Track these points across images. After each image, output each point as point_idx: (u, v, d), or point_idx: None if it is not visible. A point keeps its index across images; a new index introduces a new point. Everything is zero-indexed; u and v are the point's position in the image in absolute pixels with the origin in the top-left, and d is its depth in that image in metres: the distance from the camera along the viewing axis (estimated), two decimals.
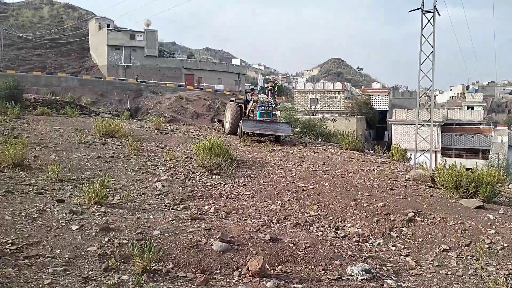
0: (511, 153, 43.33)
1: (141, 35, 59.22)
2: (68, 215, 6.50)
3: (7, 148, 9.87)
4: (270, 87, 17.71)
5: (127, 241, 5.77)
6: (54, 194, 7.90)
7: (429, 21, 11.79)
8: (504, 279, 6.03)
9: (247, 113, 17.28)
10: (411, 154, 15.47)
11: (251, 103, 17.30)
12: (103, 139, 13.75)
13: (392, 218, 8.56)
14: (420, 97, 13.79)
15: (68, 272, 4.89)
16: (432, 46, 11.63)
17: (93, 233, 5.91)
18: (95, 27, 60.86)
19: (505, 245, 7.37)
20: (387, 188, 10.22)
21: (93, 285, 4.64)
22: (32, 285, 4.44)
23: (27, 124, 15.89)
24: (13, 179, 8.69)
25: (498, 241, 7.53)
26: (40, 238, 5.66)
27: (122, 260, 5.39)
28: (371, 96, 59.66)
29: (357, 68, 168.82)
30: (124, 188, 9.08)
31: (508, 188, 12.39)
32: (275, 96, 17.53)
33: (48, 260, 5.15)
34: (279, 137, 16.58)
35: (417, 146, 12.50)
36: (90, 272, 4.96)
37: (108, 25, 60.33)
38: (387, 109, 57.79)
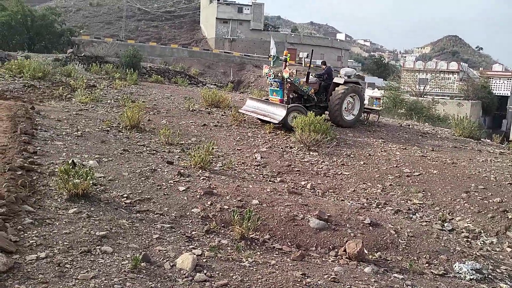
0: None
1: (248, 9, 60.13)
2: (176, 176, 6.94)
3: (126, 111, 10.86)
4: (284, 56, 12.88)
5: (227, 207, 5.99)
6: (164, 156, 8.49)
7: None
8: None
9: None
10: None
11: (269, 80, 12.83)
12: (209, 108, 14.38)
13: (510, 217, 7.64)
14: None
15: (174, 229, 5.23)
16: None
17: (198, 196, 6.24)
18: (207, 0, 63.29)
19: None
20: (506, 183, 9.11)
21: (195, 244, 4.90)
22: (143, 238, 4.83)
23: (143, 90, 17.25)
24: (129, 139, 9.53)
25: None
26: (151, 195, 6.14)
27: (222, 225, 5.61)
28: (491, 79, 53.53)
29: (476, 48, 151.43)
30: (226, 156, 9.42)
31: None
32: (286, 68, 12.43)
33: (157, 216, 5.57)
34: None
35: None
36: (193, 232, 5.26)
37: None
38: (509, 95, 51.44)
